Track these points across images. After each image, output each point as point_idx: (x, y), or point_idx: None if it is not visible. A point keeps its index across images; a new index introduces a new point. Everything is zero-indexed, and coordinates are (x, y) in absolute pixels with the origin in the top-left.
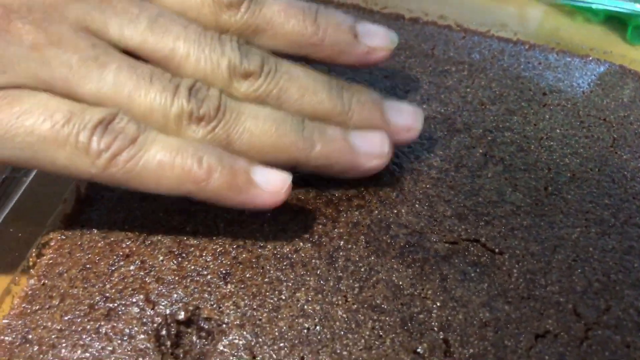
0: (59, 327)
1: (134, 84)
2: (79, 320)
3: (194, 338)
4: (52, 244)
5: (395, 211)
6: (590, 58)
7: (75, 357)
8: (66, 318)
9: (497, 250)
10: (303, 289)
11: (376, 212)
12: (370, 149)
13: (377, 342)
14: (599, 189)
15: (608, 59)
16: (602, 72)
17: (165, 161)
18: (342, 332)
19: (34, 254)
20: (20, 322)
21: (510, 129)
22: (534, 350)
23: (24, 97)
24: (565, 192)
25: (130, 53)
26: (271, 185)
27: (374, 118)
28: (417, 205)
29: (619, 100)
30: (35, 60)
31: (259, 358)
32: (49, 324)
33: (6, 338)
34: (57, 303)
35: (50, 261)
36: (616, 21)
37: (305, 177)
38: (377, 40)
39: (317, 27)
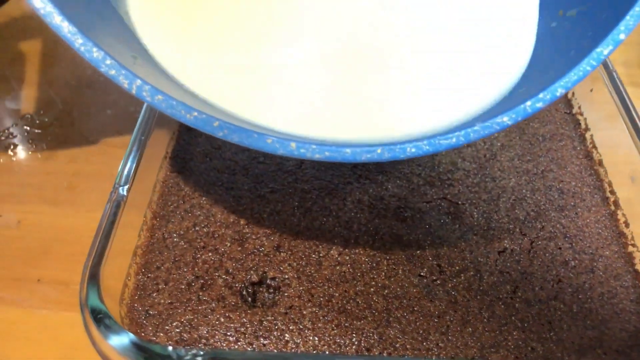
0: (169, 302)
1: None
2: (182, 294)
3: (266, 293)
4: (143, 249)
5: (384, 187)
6: None
7: (187, 318)
8: (172, 295)
9: (459, 202)
10: (334, 247)
11: (371, 190)
12: None
13: (393, 273)
14: (522, 150)
15: None
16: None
17: None
18: (368, 270)
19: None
20: (140, 303)
21: None
22: (499, 260)
23: None
24: (499, 156)
25: None
26: None
27: None
28: (398, 181)
29: None
30: None
31: (315, 295)
32: (162, 301)
33: (134, 315)
34: (163, 287)
35: (147, 260)
36: None
37: (310, 177)
38: None
39: None
